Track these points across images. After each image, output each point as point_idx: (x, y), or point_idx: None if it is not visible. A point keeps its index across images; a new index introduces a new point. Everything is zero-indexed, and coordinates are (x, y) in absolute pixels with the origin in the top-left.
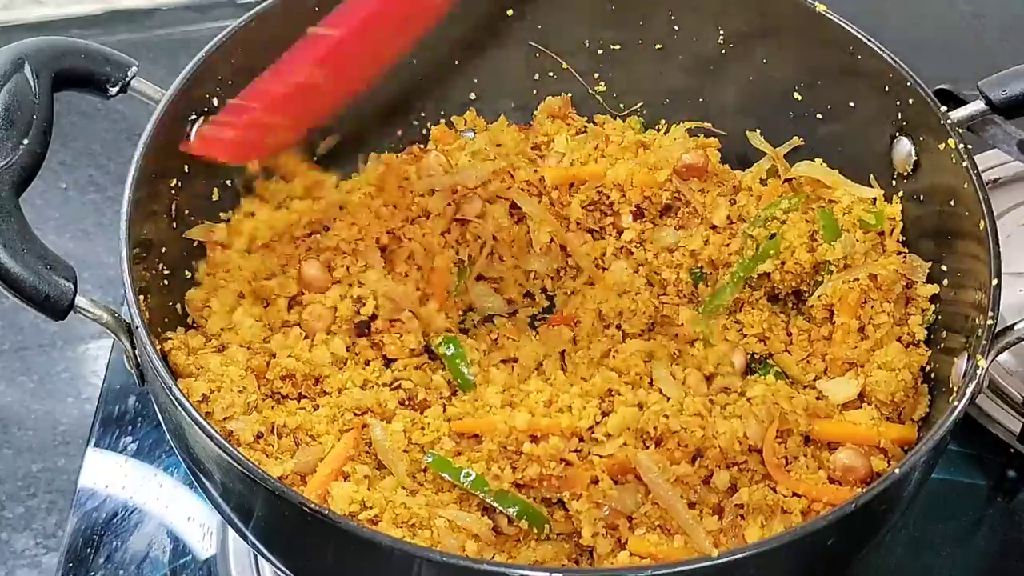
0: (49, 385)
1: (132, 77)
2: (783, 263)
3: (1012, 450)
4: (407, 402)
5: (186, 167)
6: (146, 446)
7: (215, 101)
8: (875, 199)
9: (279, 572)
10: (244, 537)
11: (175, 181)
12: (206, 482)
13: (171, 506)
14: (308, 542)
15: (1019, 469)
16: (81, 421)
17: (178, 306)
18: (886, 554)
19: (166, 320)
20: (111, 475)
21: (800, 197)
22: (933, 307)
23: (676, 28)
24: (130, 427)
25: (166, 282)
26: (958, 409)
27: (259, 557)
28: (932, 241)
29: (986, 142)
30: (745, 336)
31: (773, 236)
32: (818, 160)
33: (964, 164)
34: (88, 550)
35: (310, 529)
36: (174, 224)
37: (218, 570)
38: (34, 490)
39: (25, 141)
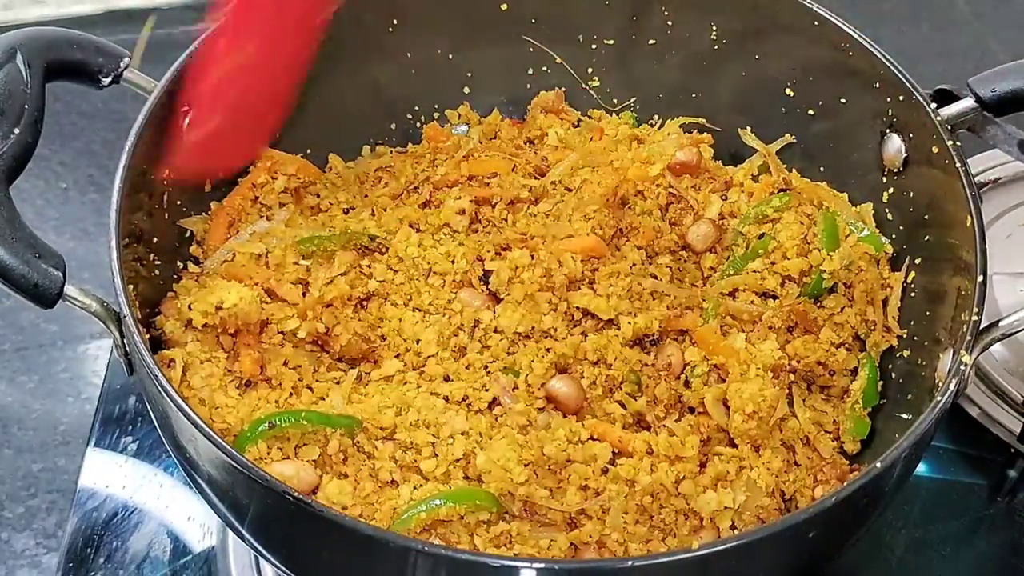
0: (49, 385)
1: (124, 68)
2: (773, 263)
3: (1012, 450)
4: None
5: None
6: (146, 446)
7: None
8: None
9: (279, 572)
10: (235, 531)
11: (167, 171)
12: (193, 472)
13: (171, 506)
14: (297, 535)
15: (1019, 469)
16: (81, 421)
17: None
18: (887, 554)
19: (157, 310)
20: (111, 475)
21: (790, 196)
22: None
23: (670, 24)
24: (130, 427)
25: (157, 272)
26: (940, 404)
27: (259, 556)
28: (920, 237)
29: (986, 142)
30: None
31: (763, 236)
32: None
33: (953, 161)
34: (88, 550)
35: (296, 520)
36: (167, 215)
37: (218, 569)
38: (34, 490)
39: (16, 130)
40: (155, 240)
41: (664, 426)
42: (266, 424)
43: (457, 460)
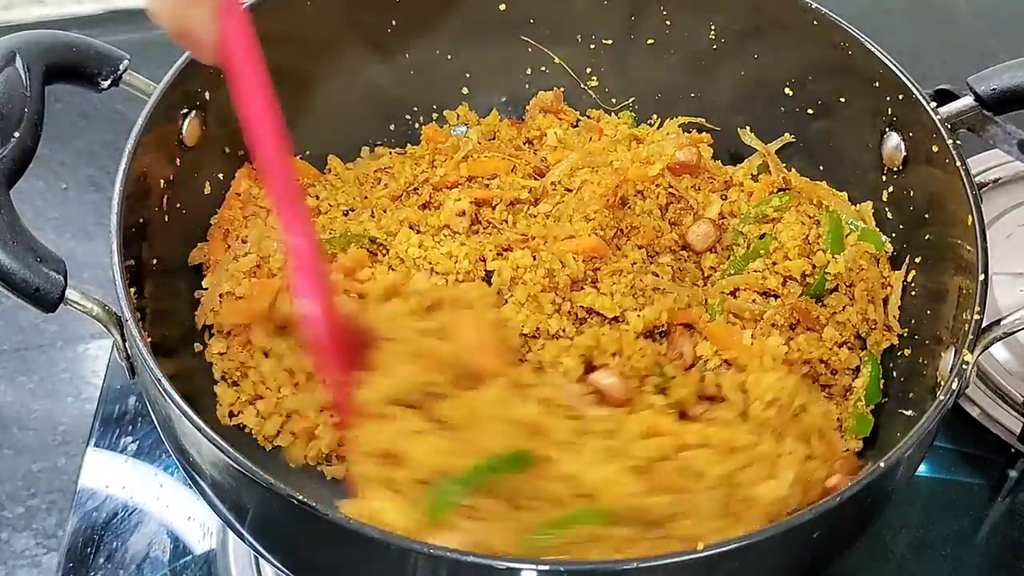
0: (49, 385)
1: (124, 71)
2: (774, 263)
3: (1012, 450)
4: None
5: (178, 160)
6: (146, 446)
7: (207, 95)
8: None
9: (280, 572)
10: (237, 533)
11: (167, 175)
12: (196, 476)
13: (171, 506)
14: (300, 538)
15: (1019, 469)
16: (81, 421)
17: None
18: (888, 554)
19: (157, 311)
20: (111, 475)
21: (790, 196)
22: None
23: (668, 23)
24: (130, 427)
25: (158, 273)
26: (943, 403)
27: (259, 556)
28: (920, 236)
29: (986, 142)
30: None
31: (763, 236)
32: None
33: (953, 159)
34: (88, 550)
35: (300, 524)
36: (167, 217)
37: (218, 570)
38: (34, 490)
39: (16, 134)
40: (156, 242)
41: (707, 417)
42: (457, 488)
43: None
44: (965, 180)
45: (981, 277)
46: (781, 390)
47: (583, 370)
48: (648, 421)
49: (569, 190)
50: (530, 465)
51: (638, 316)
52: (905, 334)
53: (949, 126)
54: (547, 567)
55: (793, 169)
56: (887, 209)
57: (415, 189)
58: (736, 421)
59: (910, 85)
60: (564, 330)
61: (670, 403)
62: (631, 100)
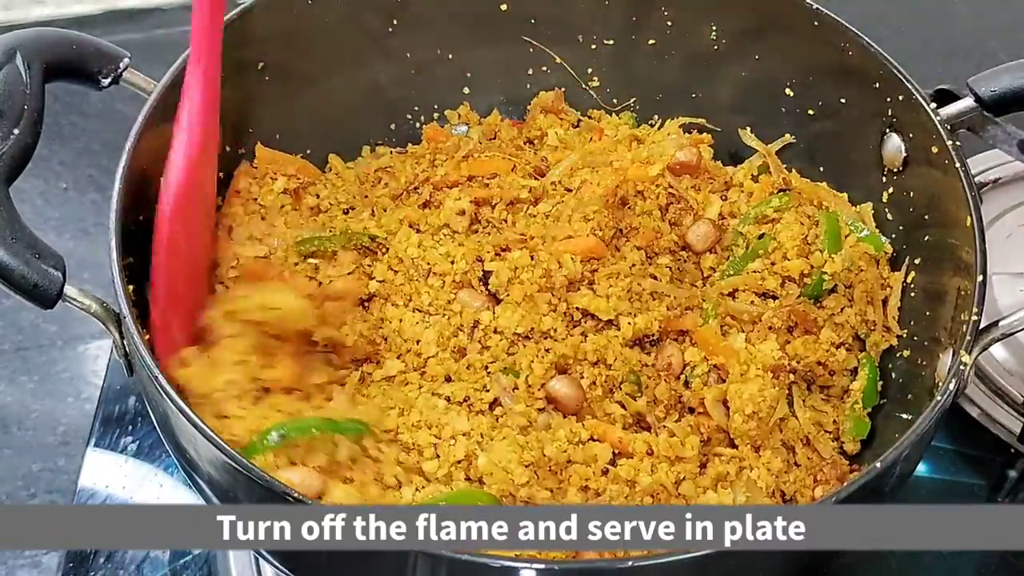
0: (49, 385)
1: (124, 68)
2: (773, 263)
3: (1012, 450)
4: None
5: None
6: (146, 446)
7: None
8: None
9: (280, 572)
10: None
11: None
12: (193, 473)
13: None
14: None
15: (1019, 469)
16: (81, 421)
17: None
18: (887, 554)
19: None
20: (111, 475)
21: (790, 196)
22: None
23: (670, 24)
24: (130, 427)
25: None
26: (940, 404)
27: (259, 556)
28: (920, 237)
29: (986, 142)
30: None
31: (762, 236)
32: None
33: (953, 161)
34: (88, 550)
35: None
36: None
37: (218, 569)
38: (34, 490)
39: (16, 131)
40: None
41: (664, 427)
42: (275, 435)
43: (459, 461)
44: (964, 182)
45: (979, 279)
46: (761, 402)
47: (553, 373)
48: (596, 429)
49: (569, 190)
50: (364, 435)
51: (630, 324)
52: (904, 335)
53: (949, 127)
54: (542, 566)
55: (793, 170)
56: (887, 210)
57: (415, 188)
58: (689, 432)
59: (911, 87)
60: (555, 330)
61: (631, 412)
62: (632, 100)
